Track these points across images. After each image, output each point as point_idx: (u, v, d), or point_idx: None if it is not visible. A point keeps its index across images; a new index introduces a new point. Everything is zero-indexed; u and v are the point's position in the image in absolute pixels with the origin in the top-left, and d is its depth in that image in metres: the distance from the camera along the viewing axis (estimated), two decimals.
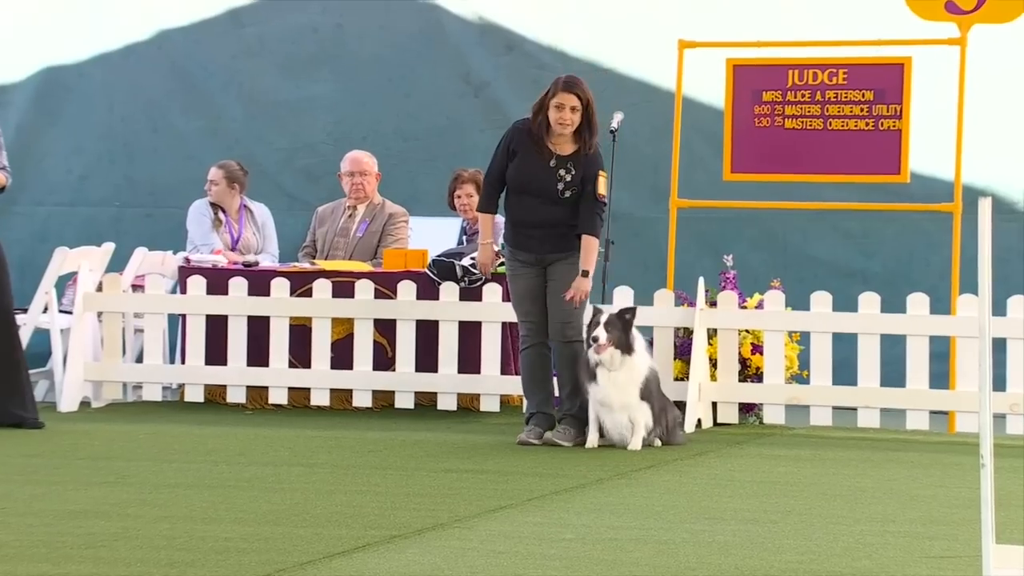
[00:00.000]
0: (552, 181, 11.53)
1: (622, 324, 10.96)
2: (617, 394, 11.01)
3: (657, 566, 7.97)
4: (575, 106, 11.47)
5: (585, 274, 11.53)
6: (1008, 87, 14.56)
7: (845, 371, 12.79)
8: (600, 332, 10.71)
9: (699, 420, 12.67)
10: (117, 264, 14.14)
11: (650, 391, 11.15)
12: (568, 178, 11.54)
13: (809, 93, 13.02)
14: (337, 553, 8.20)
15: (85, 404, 13.64)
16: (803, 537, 8.91)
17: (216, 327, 13.66)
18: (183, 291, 13.82)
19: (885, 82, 12.92)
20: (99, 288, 13.82)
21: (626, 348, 10.91)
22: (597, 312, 10.99)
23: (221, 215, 14.63)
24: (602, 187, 11.61)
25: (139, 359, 14.01)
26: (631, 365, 11.04)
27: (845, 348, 12.78)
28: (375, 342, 13.48)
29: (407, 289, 13.37)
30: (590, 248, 11.57)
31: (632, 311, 11.23)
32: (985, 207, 5.40)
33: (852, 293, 12.80)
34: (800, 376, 12.89)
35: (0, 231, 12.43)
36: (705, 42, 13.48)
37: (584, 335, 11.57)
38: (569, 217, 11.65)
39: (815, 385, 12.84)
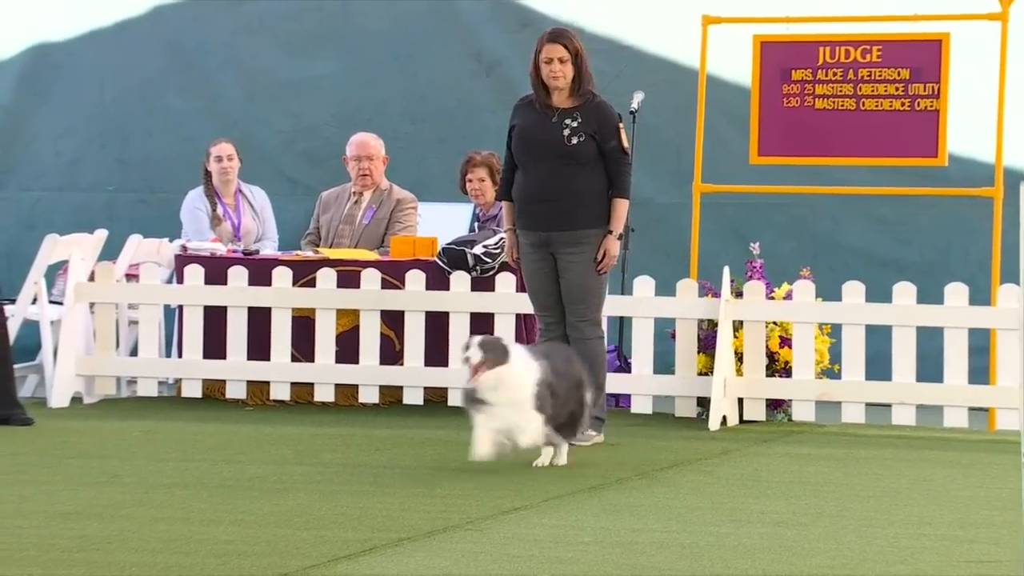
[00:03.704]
0: (556, 133, 11.60)
1: (497, 343, 10.26)
2: (507, 417, 10.19)
3: (679, 571, 7.99)
4: (563, 57, 11.57)
5: (617, 236, 11.70)
6: None
7: (879, 366, 12.82)
8: (473, 353, 9.90)
9: (724, 417, 12.71)
10: (110, 252, 14.19)
11: (543, 401, 10.21)
12: (574, 124, 11.59)
13: (841, 71, 13.06)
14: (343, 556, 8.24)
15: (77, 400, 13.73)
16: (834, 541, 8.94)
17: (215, 319, 13.73)
18: (180, 281, 13.89)
19: (922, 59, 12.94)
20: (91, 278, 13.89)
21: (503, 361, 10.04)
22: (471, 336, 10.51)
23: (220, 208, 14.65)
24: (624, 139, 11.75)
25: (134, 352, 14.09)
26: (514, 384, 10.13)
27: (879, 341, 12.82)
28: (382, 335, 13.53)
29: (416, 279, 13.44)
30: (620, 209, 11.69)
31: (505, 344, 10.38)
32: None
33: (886, 283, 12.80)
34: (831, 371, 12.91)
35: None
36: (730, 17, 13.52)
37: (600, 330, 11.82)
38: (573, 183, 11.68)
39: (847, 380, 12.87)
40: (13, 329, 13.16)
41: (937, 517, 9.53)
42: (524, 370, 10.04)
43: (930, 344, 12.77)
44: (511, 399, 9.96)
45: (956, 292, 12.66)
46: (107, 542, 8.62)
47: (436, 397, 13.50)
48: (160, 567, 7.80)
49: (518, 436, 10.14)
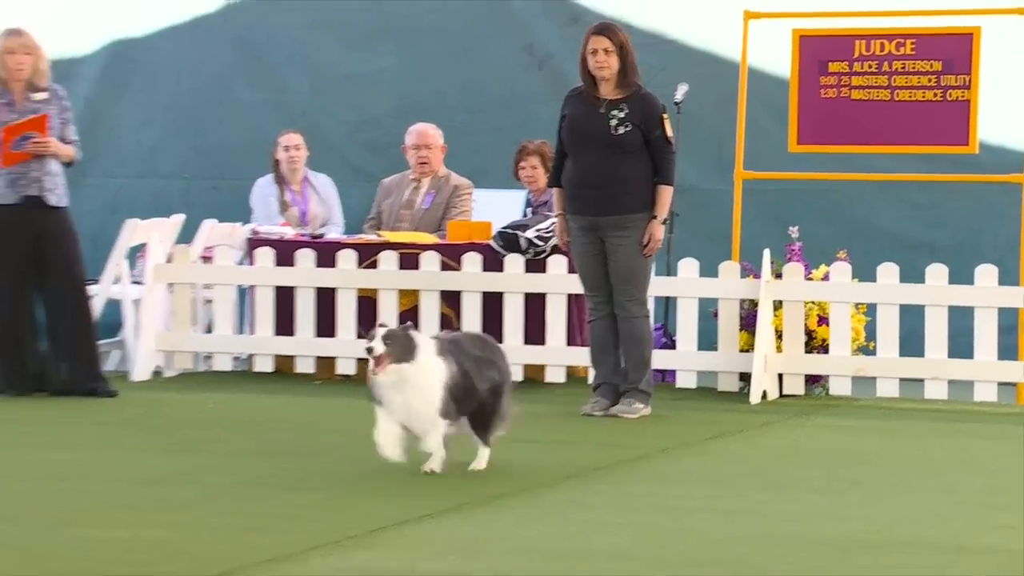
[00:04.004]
0: (604, 122, 11.66)
1: (403, 336, 8.84)
2: (414, 415, 9.04)
3: (723, 535, 8.07)
4: (607, 48, 11.64)
5: (661, 220, 11.79)
6: None
7: (912, 343, 12.81)
8: (377, 344, 8.65)
9: (765, 391, 12.73)
10: (186, 235, 14.28)
11: (447, 406, 8.97)
12: (621, 115, 11.66)
13: (876, 64, 13.04)
14: (407, 520, 8.32)
15: (157, 373, 13.82)
16: (869, 507, 8.98)
17: (284, 298, 13.79)
18: (251, 262, 13.97)
19: (953, 52, 12.92)
20: (169, 259, 13.97)
21: (412, 359, 8.75)
22: (379, 326, 8.95)
23: (288, 194, 14.74)
24: (668, 128, 11.79)
25: (209, 329, 14.12)
26: (418, 383, 8.88)
27: (912, 320, 12.81)
28: (441, 314, 13.58)
29: (472, 261, 13.48)
30: (664, 195, 11.75)
31: (411, 325, 9.17)
32: None
33: (919, 265, 12.79)
34: (866, 348, 12.91)
35: (72, 203, 12.53)
36: (770, 12, 13.51)
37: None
38: (619, 170, 11.74)
39: (882, 357, 12.88)
40: (97, 307, 13.25)
41: (967, 485, 9.55)
42: (429, 368, 8.81)
43: (961, 322, 12.75)
44: (414, 398, 8.84)
45: (986, 273, 12.67)
46: (187, 505, 8.74)
47: None
48: (238, 529, 7.96)
49: (421, 438, 9.12)
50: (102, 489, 9.23)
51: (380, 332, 8.67)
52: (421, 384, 8.76)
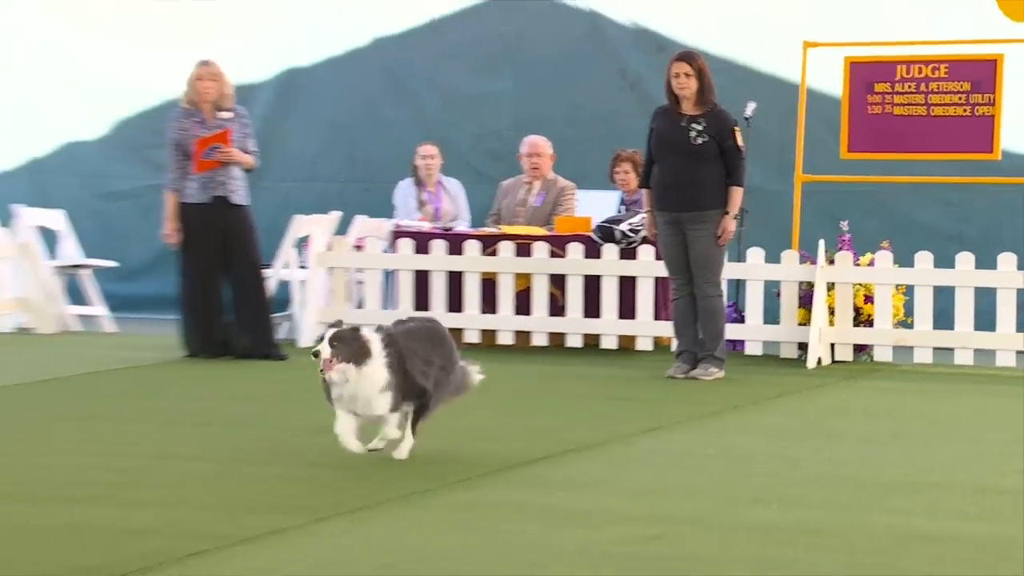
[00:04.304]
0: (685, 135, 11.65)
1: (351, 337, 7.66)
2: (365, 410, 7.95)
3: (784, 477, 8.13)
4: (687, 72, 11.63)
5: (733, 215, 11.76)
6: None
7: (944, 318, 12.75)
8: (324, 347, 7.57)
9: (819, 358, 12.68)
10: (342, 229, 14.35)
11: (396, 399, 7.88)
12: (699, 128, 11.65)
13: (914, 85, 12.94)
14: (525, 462, 8.45)
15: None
16: (907, 454, 8.98)
17: (421, 280, 13.84)
18: (394, 250, 13.98)
19: (980, 75, 12.80)
20: (328, 248, 14.05)
21: (359, 359, 7.64)
22: (327, 328, 7.81)
23: (424, 195, 14.77)
24: (739, 139, 11.76)
25: (360, 305, 14.12)
26: (370, 379, 7.79)
27: (944, 299, 12.75)
28: (550, 293, 13.56)
29: (575, 250, 13.47)
30: (736, 194, 11.74)
31: (359, 326, 7.91)
32: None
33: (949, 253, 12.70)
34: (905, 322, 12.83)
35: (251, 202, 12.65)
36: (825, 42, 13.44)
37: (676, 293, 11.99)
38: (698, 174, 11.70)
39: (918, 329, 12.81)
40: (271, 287, 13.38)
41: (991, 436, 9.49)
42: (375, 366, 7.68)
43: (985, 301, 12.66)
44: (361, 395, 7.78)
45: (1006, 260, 12.61)
46: (343, 454, 8.78)
47: (592, 342, 13.52)
48: (381, 467, 8.03)
49: (382, 427, 8.05)
50: (275, 435, 9.40)
51: (328, 334, 7.65)
52: (366, 380, 7.70)
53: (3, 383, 11.48)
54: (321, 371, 7.66)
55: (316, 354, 7.60)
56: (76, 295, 15.12)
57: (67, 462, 8.53)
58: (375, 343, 7.67)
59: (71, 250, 15.31)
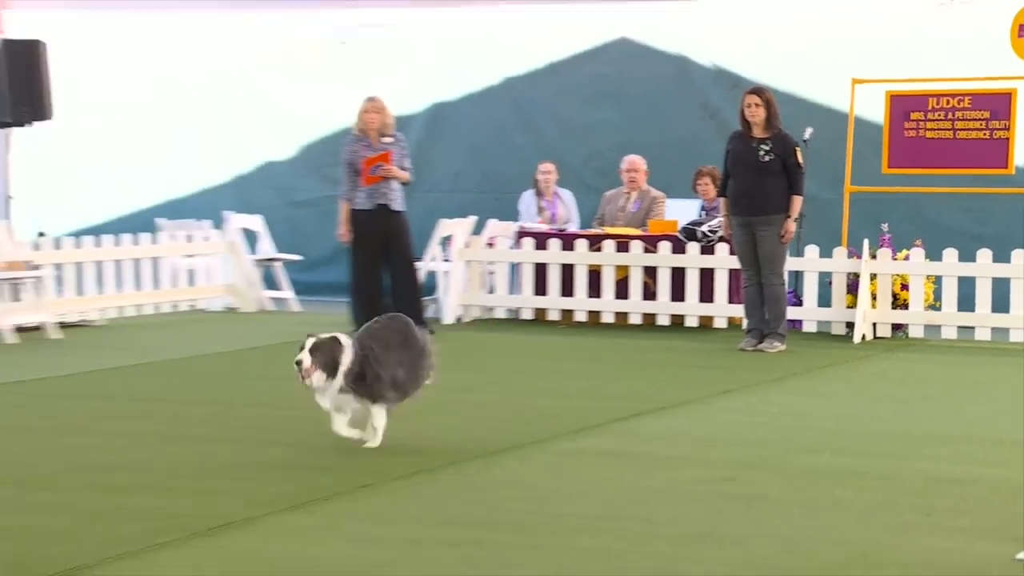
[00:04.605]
0: (755, 154, 11.60)
1: (328, 346, 6.92)
2: (336, 403, 7.12)
3: (834, 431, 8.12)
4: (757, 103, 11.62)
5: (793, 219, 11.68)
6: None
7: (967, 302, 12.61)
8: (304, 356, 6.84)
9: (863, 335, 12.55)
10: (477, 230, 14.37)
11: (358, 385, 7.05)
12: (766, 148, 11.59)
13: (943, 113, 12.83)
14: (622, 418, 8.49)
15: (459, 319, 13.93)
16: (936, 412, 8.95)
17: (540, 271, 13.83)
18: (519, 247, 13.98)
19: (998, 105, 12.67)
20: (466, 245, 14.08)
21: (333, 370, 6.90)
22: (308, 337, 6.98)
23: (543, 202, 14.75)
24: (799, 157, 11.69)
25: (491, 291, 14.15)
26: (337, 382, 7.01)
27: (966, 287, 12.61)
28: (643, 282, 13.50)
29: (665, 246, 13.39)
30: (796, 202, 11.67)
31: (338, 342, 7.01)
32: None
33: (971, 250, 12.57)
34: (934, 305, 12.70)
35: (407, 208, 12.69)
36: (870, 79, 13.32)
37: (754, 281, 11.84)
38: (766, 185, 11.61)
39: (945, 311, 12.67)
40: (422, 276, 13.35)
41: (1005, 399, 9.41)
42: (346, 372, 6.94)
43: (1001, 289, 12.52)
44: (338, 396, 7.03)
45: (1018, 255, 12.41)
46: (480, 404, 8.99)
47: (677, 321, 13.46)
48: (517, 422, 8.09)
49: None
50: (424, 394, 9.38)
51: (308, 343, 6.88)
52: (339, 384, 6.93)
53: (217, 351, 11.83)
54: (301, 378, 6.86)
55: (298, 363, 6.85)
56: (271, 282, 15.35)
57: (270, 414, 8.66)
58: (348, 351, 6.91)
59: (267, 247, 15.51)
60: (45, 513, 5.97)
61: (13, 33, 13.59)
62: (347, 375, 6.88)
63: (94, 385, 9.98)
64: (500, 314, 14.18)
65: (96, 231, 14.54)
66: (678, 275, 13.36)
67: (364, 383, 6.96)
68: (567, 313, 13.76)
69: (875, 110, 13.30)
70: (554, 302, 13.78)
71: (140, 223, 15.37)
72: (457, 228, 14.20)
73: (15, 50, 13.25)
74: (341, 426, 7.17)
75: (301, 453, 7.29)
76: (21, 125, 13.60)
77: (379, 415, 7.12)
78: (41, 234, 13.95)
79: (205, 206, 16.11)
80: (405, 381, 7.18)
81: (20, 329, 12.40)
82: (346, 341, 6.91)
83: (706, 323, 13.37)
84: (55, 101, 13.42)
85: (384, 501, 6.26)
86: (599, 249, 13.59)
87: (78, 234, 14.21)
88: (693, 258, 13.27)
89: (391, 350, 7.11)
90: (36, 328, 12.61)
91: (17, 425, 8.29)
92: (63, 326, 12.86)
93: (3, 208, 13.97)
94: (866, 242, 12.64)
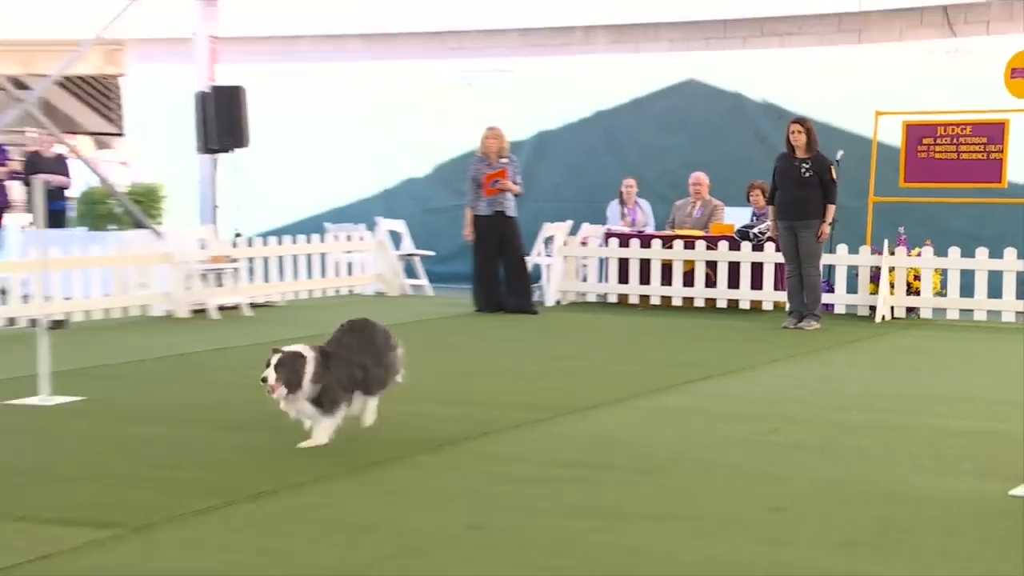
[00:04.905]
0: (797, 171, 11.54)
1: (294, 362, 5.94)
2: (301, 414, 6.11)
3: (860, 392, 8.05)
4: (799, 130, 11.59)
5: (827, 223, 11.60)
6: None
7: (967, 290, 12.48)
8: (270, 373, 5.88)
9: (883, 316, 12.40)
10: (574, 231, 14.35)
11: (324, 399, 6.06)
12: (807, 166, 11.53)
13: (949, 139, 12.69)
14: (689, 381, 8.47)
15: (558, 303, 13.88)
16: (943, 378, 8.87)
17: (623, 264, 13.77)
18: (606, 246, 13.90)
19: (993, 132, 12.53)
20: (565, 244, 14.05)
21: (296, 383, 5.91)
22: (272, 353, 5.99)
23: (625, 210, 14.73)
24: (833, 174, 11.63)
25: (584, 280, 14.16)
26: (299, 396, 5.98)
27: (967, 278, 12.47)
28: (706, 273, 13.43)
29: (723, 245, 13.33)
30: (830, 210, 11.59)
31: (301, 356, 5.98)
32: None
33: (971, 248, 12.41)
34: (941, 292, 12.57)
35: (518, 214, 12.77)
36: (890, 111, 13.16)
37: (815, 266, 11.71)
38: (806, 196, 11.51)
39: (950, 297, 12.53)
40: (530, 267, 13.35)
41: (1001, 367, 9.31)
42: (307, 386, 5.96)
43: (995, 280, 12.36)
44: (300, 409, 6.05)
45: (1010, 252, 12.28)
46: (572, 371, 8.89)
47: (733, 305, 13.35)
48: (596, 388, 7.90)
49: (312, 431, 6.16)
50: (525, 362, 9.43)
51: (274, 360, 5.91)
52: (303, 396, 5.95)
53: None
54: (269, 393, 5.93)
55: (264, 379, 5.90)
56: (410, 272, 15.41)
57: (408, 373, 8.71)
58: (310, 364, 5.94)
59: (408, 245, 15.58)
60: (240, 450, 6.12)
61: (221, 81, 13.83)
62: (307, 387, 5.93)
63: None
64: (591, 298, 14.07)
65: (278, 232, 14.74)
66: (734, 268, 13.28)
67: (319, 395, 6.00)
68: (644, 298, 13.70)
69: (894, 136, 13.16)
70: (634, 289, 13.71)
71: (311, 226, 15.52)
72: (557, 230, 14.18)
73: (222, 94, 13.50)
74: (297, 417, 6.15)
75: (428, 407, 7.36)
76: (225, 151, 13.81)
77: (323, 424, 6.08)
78: (238, 235, 14.16)
79: (361, 213, 16.25)
80: (366, 380, 6.27)
81: (221, 308, 12.65)
82: (309, 355, 5.96)
83: (756, 306, 13.27)
84: (250, 133, 13.67)
85: (504, 444, 6.37)
86: (670, 247, 13.50)
87: (265, 235, 14.41)
88: (746, 254, 13.20)
89: (353, 354, 6.21)
90: (234, 307, 12.85)
91: (221, 381, 8.46)
92: (253, 306, 13.08)
93: (211, 215, 14.22)
94: (886, 242, 12.51)
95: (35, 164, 14.76)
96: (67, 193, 15.33)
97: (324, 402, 6.03)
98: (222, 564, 4.31)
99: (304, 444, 6.05)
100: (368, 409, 6.43)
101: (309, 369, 5.93)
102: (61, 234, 13.32)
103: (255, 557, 4.39)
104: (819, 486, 5.45)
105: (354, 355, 6.22)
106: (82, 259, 12.23)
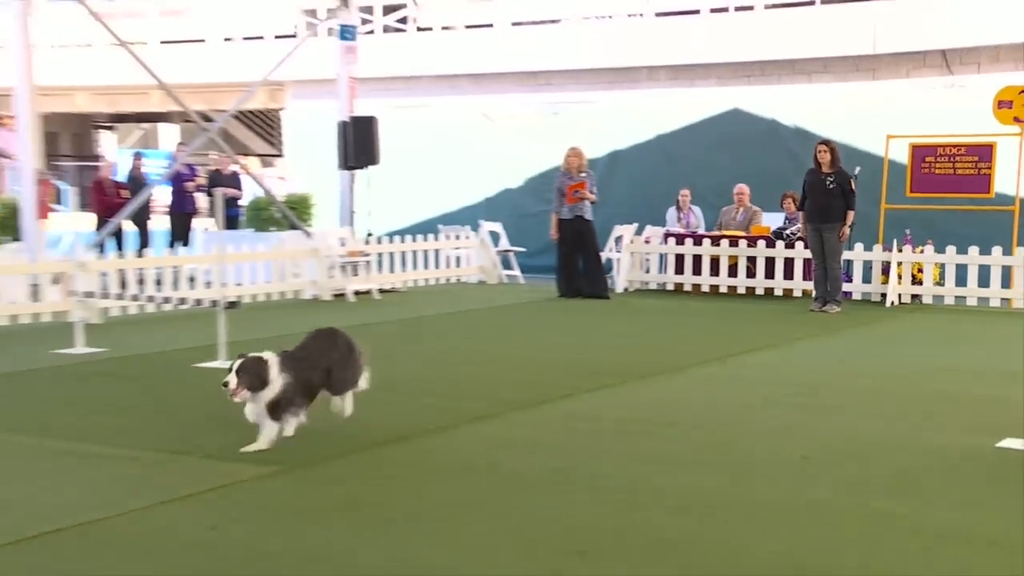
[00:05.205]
0: (824, 183, 11.39)
1: (255, 368, 5.00)
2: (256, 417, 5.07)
3: (874, 363, 7.97)
4: (824, 150, 11.46)
5: (847, 225, 11.43)
6: None
7: (961, 280, 12.26)
8: (231, 378, 4.95)
9: (892, 302, 12.18)
10: (639, 232, 14.24)
11: (278, 406, 5.06)
12: (831, 179, 11.37)
13: (948, 158, 12.45)
14: (736, 352, 8.35)
15: (626, 289, 13.68)
16: (944, 353, 8.74)
17: (679, 259, 13.64)
18: (665, 244, 13.77)
19: (983, 152, 12.27)
20: (631, 242, 13.94)
21: (257, 387, 4.97)
22: (237, 358, 5.05)
23: (681, 214, 14.60)
24: (853, 185, 11.45)
25: (647, 271, 14.05)
26: (259, 399, 5.00)
27: (961, 271, 12.26)
28: (747, 266, 13.28)
29: (761, 244, 13.16)
30: (850, 215, 11.41)
31: (263, 362, 5.03)
32: None
33: (965, 246, 12.19)
34: (939, 282, 12.36)
35: (594, 218, 12.74)
36: (899, 135, 12.93)
37: (837, 263, 11.50)
38: (830, 203, 11.33)
39: (947, 287, 12.28)
40: (603, 261, 13.23)
41: (990, 343, 9.19)
42: (268, 391, 5.02)
43: (985, 272, 12.11)
44: (259, 412, 5.02)
45: (997, 250, 12.04)
46: (637, 348, 8.81)
47: (769, 292, 13.18)
48: (660, 355, 7.83)
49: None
50: (598, 336, 9.39)
51: (236, 365, 4.99)
52: (260, 403, 5.02)
53: (475, 308, 11.74)
54: (231, 397, 5.01)
55: (225, 384, 4.98)
56: (507, 265, 15.40)
57: (503, 336, 8.72)
58: (272, 369, 5.03)
59: (504, 242, 15.54)
60: (371, 405, 5.88)
61: (357, 112, 14.01)
62: (268, 392, 5.02)
63: (402, 327, 10.13)
64: (652, 286, 13.84)
65: (401, 232, 14.88)
66: (770, 262, 13.12)
67: (278, 407, 5.07)
68: (696, 286, 13.49)
69: (902, 155, 12.91)
70: (687, 279, 13.52)
71: (427, 227, 15.64)
72: (625, 231, 14.11)
73: (358, 123, 13.65)
74: (254, 419, 5.16)
75: (520, 375, 7.38)
76: (360, 168, 13.97)
77: (268, 430, 5.10)
78: (369, 235, 14.26)
79: (466, 217, 16.26)
80: (330, 382, 5.37)
81: (356, 293, 12.76)
82: (272, 360, 5.06)
83: (787, 293, 13.09)
84: (380, 153, 13.82)
85: (584, 404, 6.36)
86: (718, 244, 13.36)
87: (391, 235, 14.52)
88: (780, 251, 13.02)
89: (316, 359, 5.30)
90: (367, 292, 12.95)
91: (391, 351, 8.21)
92: (381, 291, 13.15)
93: (349, 219, 14.40)
94: (895, 241, 12.33)
95: (216, 179, 15.05)
96: (239, 202, 15.62)
97: (281, 405, 5.07)
98: (353, 494, 4.41)
99: (247, 448, 5.04)
100: (346, 403, 5.54)
101: (271, 373, 5.03)
102: (234, 234, 13.65)
103: (379, 489, 4.50)
104: (839, 439, 5.45)
105: (318, 360, 5.31)
106: (250, 254, 12.59)
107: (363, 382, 5.63)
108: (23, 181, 11.13)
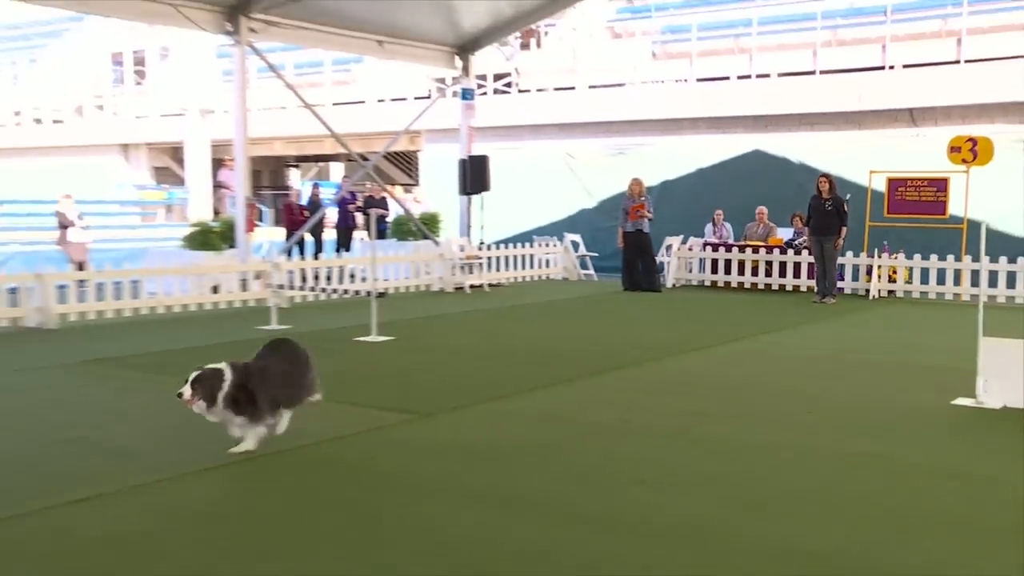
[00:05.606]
0: (824, 206, 11.25)
1: (211, 379, 4.07)
2: (223, 420, 4.20)
3: (863, 342, 8.04)
4: (824, 180, 11.32)
5: (841, 238, 11.31)
6: (1003, 187, 13.07)
7: (924, 279, 11.98)
8: (186, 389, 4.05)
9: (874, 296, 11.95)
10: (684, 242, 14.01)
11: (240, 404, 4.13)
12: (829, 203, 11.22)
13: (915, 188, 12.25)
14: (756, 333, 8.41)
15: (674, 285, 13.29)
16: (917, 335, 8.54)
17: (714, 262, 13.34)
18: (704, 251, 13.57)
19: (940, 185, 12.07)
20: (677, 249, 13.68)
21: (211, 398, 4.06)
22: (193, 371, 4.09)
23: (715, 229, 14.36)
24: (845, 208, 11.33)
25: (690, 272, 13.83)
26: (217, 407, 4.11)
27: (925, 273, 11.99)
28: (765, 268, 13.03)
29: (776, 251, 12.89)
30: (843, 230, 11.24)
31: (219, 374, 4.10)
32: (980, 227, 4.96)
33: (928, 254, 12.03)
34: (909, 281, 12.13)
35: (651, 231, 12.52)
36: (879, 171, 12.74)
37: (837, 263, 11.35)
38: (828, 221, 11.21)
39: (915, 284, 12.05)
40: (657, 264, 13.07)
41: (952, 327, 8.94)
42: (223, 402, 4.10)
43: (941, 273, 11.86)
44: (225, 416, 4.14)
45: (951, 258, 11.78)
46: (679, 327, 8.67)
47: (781, 289, 12.87)
48: (659, 345, 7.61)
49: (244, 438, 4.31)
50: (651, 319, 9.32)
51: (192, 377, 4.09)
52: (219, 411, 4.12)
53: (559, 298, 11.55)
54: (186, 406, 4.11)
55: (180, 395, 4.08)
56: (584, 266, 15.32)
57: (585, 322, 8.78)
58: (227, 380, 4.10)
59: (582, 249, 15.41)
60: (486, 371, 6.02)
61: (474, 152, 14.19)
62: (224, 400, 4.11)
63: (505, 311, 9.91)
64: (694, 283, 13.37)
65: (505, 241, 15.00)
66: (782, 265, 12.78)
67: (240, 407, 4.15)
68: (727, 283, 13.07)
69: (881, 185, 12.71)
70: (720, 277, 13.11)
71: (525, 237, 15.69)
72: (674, 241, 13.82)
73: (475, 160, 13.83)
74: (235, 432, 4.27)
75: (593, 347, 7.34)
76: (476, 193, 14.14)
77: (253, 433, 4.26)
78: (481, 243, 14.43)
79: (554, 230, 16.15)
80: (290, 396, 4.37)
81: (472, 287, 12.56)
82: (227, 372, 4.13)
83: (795, 289, 12.80)
84: (491, 182, 13.96)
85: (638, 371, 6.26)
86: (744, 251, 12.95)
87: (498, 243, 14.44)
88: (790, 257, 12.69)
89: (275, 371, 4.28)
90: (479, 286, 12.72)
91: (472, 329, 8.32)
92: (491, 286, 12.90)
93: (466, 231, 14.59)
94: (876, 250, 12.18)
95: (370, 202, 15.51)
96: (387, 219, 16.00)
97: (248, 413, 4.20)
98: (472, 435, 4.51)
99: (234, 450, 4.24)
100: (283, 420, 4.40)
101: (226, 385, 4.11)
102: (383, 243, 13.93)
103: (490, 432, 4.53)
104: (836, 400, 5.43)
105: (274, 370, 4.30)
106: (395, 257, 12.78)
107: (317, 395, 4.53)
108: (237, 205, 11.70)
